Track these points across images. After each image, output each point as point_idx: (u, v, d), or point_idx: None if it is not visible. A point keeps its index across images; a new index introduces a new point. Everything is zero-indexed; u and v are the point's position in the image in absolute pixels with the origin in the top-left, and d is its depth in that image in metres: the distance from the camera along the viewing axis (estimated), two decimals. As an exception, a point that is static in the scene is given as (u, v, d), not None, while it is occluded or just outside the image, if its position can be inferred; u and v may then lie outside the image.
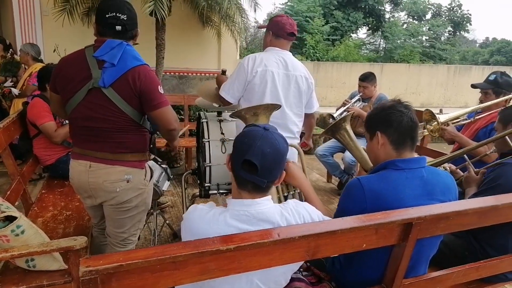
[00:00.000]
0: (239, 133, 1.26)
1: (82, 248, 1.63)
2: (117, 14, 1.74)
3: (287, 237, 1.13)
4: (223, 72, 2.83)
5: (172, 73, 6.41)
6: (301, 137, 2.73)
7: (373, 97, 4.09)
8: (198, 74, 6.78)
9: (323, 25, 14.23)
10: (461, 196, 1.88)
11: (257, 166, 1.15)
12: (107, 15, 1.74)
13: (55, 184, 3.00)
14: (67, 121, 3.00)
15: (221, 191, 2.90)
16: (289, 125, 2.50)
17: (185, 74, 6.66)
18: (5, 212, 1.77)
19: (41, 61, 4.43)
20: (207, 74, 6.82)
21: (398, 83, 10.56)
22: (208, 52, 6.75)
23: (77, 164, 1.85)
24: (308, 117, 2.66)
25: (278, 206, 1.26)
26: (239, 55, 7.87)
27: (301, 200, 1.57)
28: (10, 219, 1.78)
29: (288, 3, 16.83)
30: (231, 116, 1.87)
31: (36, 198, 2.71)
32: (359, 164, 4.09)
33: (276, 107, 1.90)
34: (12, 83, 4.51)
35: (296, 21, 2.51)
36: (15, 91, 4.31)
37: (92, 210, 2.02)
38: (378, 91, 4.15)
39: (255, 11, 5.98)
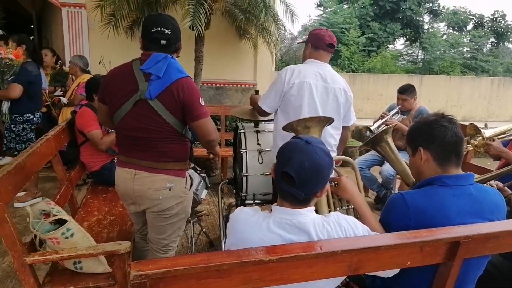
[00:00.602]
0: (281, 145, 1.28)
1: (126, 252, 1.70)
2: (162, 29, 1.82)
3: (329, 250, 1.13)
4: (256, 92, 2.93)
5: (209, 84, 6.56)
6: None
7: (412, 110, 3.99)
8: (235, 86, 6.89)
9: (359, 36, 14.09)
10: (510, 215, 1.80)
11: (294, 178, 1.16)
12: (152, 30, 1.83)
13: (99, 190, 3.13)
14: (112, 129, 3.15)
15: (257, 201, 2.92)
16: (326, 137, 2.49)
17: (222, 85, 6.79)
18: (56, 215, 1.88)
19: (88, 72, 4.67)
20: (243, 86, 6.92)
21: (438, 96, 10.23)
22: (245, 64, 6.85)
23: (122, 172, 1.94)
24: (344, 129, 2.64)
25: (320, 218, 1.26)
26: (275, 66, 7.94)
27: (355, 216, 1.55)
28: (61, 222, 1.89)
29: (323, 15, 16.81)
30: (283, 129, 1.89)
31: (82, 203, 2.84)
32: (397, 179, 4.01)
33: (329, 120, 1.90)
34: (61, 92, 4.78)
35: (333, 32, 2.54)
36: (64, 100, 4.57)
37: (135, 216, 2.10)
38: (417, 103, 4.05)
39: (292, 22, 6.02)
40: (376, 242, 1.19)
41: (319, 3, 19.02)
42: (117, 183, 2.00)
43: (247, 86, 6.95)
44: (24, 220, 3.16)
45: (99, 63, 5.29)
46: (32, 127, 3.90)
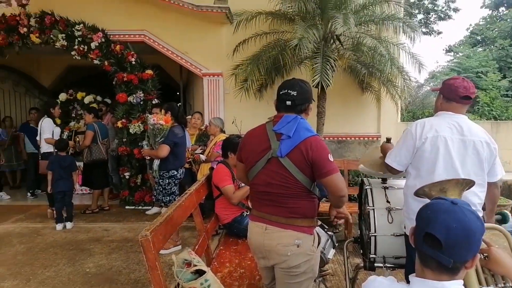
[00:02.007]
0: (422, 206, 1.20)
1: (257, 308, 1.74)
2: (288, 91, 1.99)
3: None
4: (388, 140, 2.77)
5: (331, 138, 6.59)
6: (483, 209, 2.39)
7: None
8: (357, 139, 6.78)
9: (499, 80, 12.60)
10: None
11: (440, 241, 1.06)
12: (280, 92, 2.03)
13: (230, 241, 3.34)
14: (242, 184, 3.39)
15: (387, 265, 2.70)
16: (468, 196, 2.22)
17: (344, 138, 6.75)
18: (196, 266, 2.06)
19: (224, 132, 5.21)
20: (366, 138, 6.76)
21: None
22: (367, 116, 6.74)
23: (254, 226, 2.05)
24: (490, 186, 2.32)
25: None
26: (400, 117, 7.60)
27: None
28: (200, 272, 2.06)
29: (454, 60, 15.66)
30: (415, 194, 1.76)
31: (216, 254, 3.06)
32: None
33: (470, 183, 1.71)
34: (201, 150, 5.39)
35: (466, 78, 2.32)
36: (203, 157, 5.14)
37: (265, 271, 2.16)
38: None
39: (419, 72, 5.79)
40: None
41: (448, 49, 17.90)
42: (249, 236, 2.11)
43: (370, 138, 6.76)
44: (167, 267, 3.52)
45: (232, 123, 5.87)
46: (176, 182, 4.44)
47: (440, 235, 1.06)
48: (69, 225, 5.18)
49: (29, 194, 7.11)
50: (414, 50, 5.88)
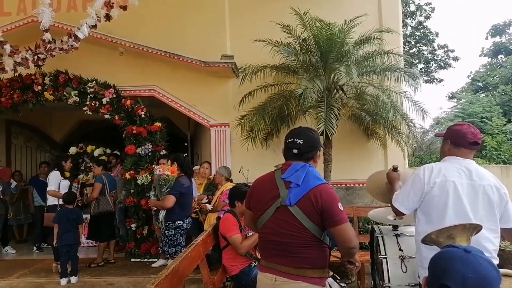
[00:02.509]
0: (435, 254, 1.17)
1: None
2: (294, 139, 2.02)
3: None
4: (395, 169, 2.73)
5: (338, 185, 6.55)
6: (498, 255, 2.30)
7: None
8: (365, 185, 6.71)
9: (504, 124, 12.68)
10: None
11: None
12: (287, 141, 2.06)
13: (238, 294, 3.21)
14: (250, 234, 3.34)
15: (404, 317, 2.57)
16: (482, 241, 2.16)
17: (352, 185, 6.70)
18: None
19: (231, 181, 5.22)
20: (374, 185, 6.70)
21: None
22: (374, 162, 6.73)
23: (263, 277, 1.99)
24: (507, 233, 2.26)
25: None
26: (408, 163, 7.57)
27: None
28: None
29: (458, 106, 15.89)
30: (422, 242, 1.72)
31: (224, 308, 2.94)
32: None
33: (477, 228, 1.68)
34: (207, 200, 5.37)
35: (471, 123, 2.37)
36: (209, 206, 5.10)
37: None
38: None
39: (423, 118, 5.86)
40: None
41: (451, 96, 18.22)
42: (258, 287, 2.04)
43: (379, 185, 6.69)
44: (173, 322, 3.36)
45: (239, 171, 5.90)
46: (182, 233, 4.39)
47: (456, 286, 1.03)
48: (73, 279, 5.05)
49: (35, 248, 7.02)
50: (417, 98, 6.03)
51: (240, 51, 6.35)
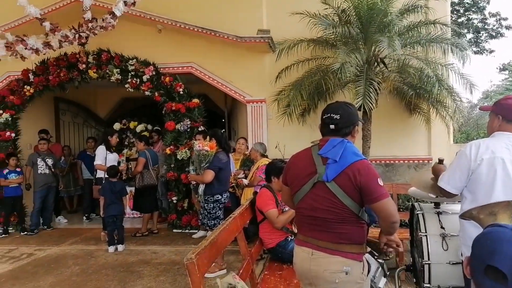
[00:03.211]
0: (479, 234, 1.11)
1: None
2: (331, 115, 1.97)
3: None
4: (440, 161, 2.64)
5: (378, 161, 6.40)
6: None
7: None
8: (406, 162, 6.52)
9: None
10: None
11: (506, 275, 0.97)
12: (324, 117, 2.01)
13: (275, 266, 3.29)
14: (286, 208, 3.37)
15: (443, 295, 2.53)
16: (531, 222, 2.05)
17: (392, 161, 6.53)
18: (241, 290, 2.05)
19: (266, 156, 5.25)
20: (416, 161, 6.49)
21: None
22: (417, 138, 6.50)
23: (300, 251, 2.01)
24: None
25: None
26: (453, 139, 7.24)
27: None
28: (245, 296, 2.05)
29: (510, 79, 14.83)
30: (461, 217, 1.67)
31: (260, 279, 3.02)
32: None
33: None
34: (244, 175, 5.45)
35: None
36: (245, 181, 5.19)
37: (311, 298, 2.09)
38: None
39: (471, 92, 5.54)
40: None
41: (502, 67, 17.00)
42: (295, 261, 2.07)
43: (420, 161, 6.48)
44: (212, 290, 3.52)
45: (275, 147, 5.91)
46: (220, 206, 4.51)
47: (505, 268, 0.97)
48: (120, 247, 5.37)
49: (84, 218, 7.52)
50: (465, 70, 5.66)
51: (276, 26, 6.23)
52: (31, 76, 6.81)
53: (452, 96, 5.51)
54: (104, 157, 5.91)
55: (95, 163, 5.98)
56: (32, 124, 7.65)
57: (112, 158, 6.02)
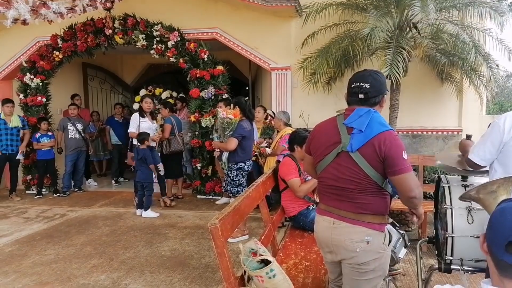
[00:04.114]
0: (496, 210, 1.07)
1: (323, 301, 1.73)
2: (360, 84, 1.90)
3: None
4: (468, 137, 2.55)
5: (405, 132, 6.24)
6: None
7: None
8: (434, 133, 6.33)
9: None
10: None
11: None
12: (352, 85, 1.94)
13: (296, 234, 3.34)
14: (309, 178, 3.37)
15: (465, 268, 2.51)
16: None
17: (419, 132, 6.35)
18: (262, 255, 2.10)
19: (289, 125, 5.21)
20: (445, 133, 6.29)
21: None
22: (447, 109, 6.26)
23: (322, 220, 2.02)
24: None
25: None
26: (486, 110, 6.93)
27: None
28: (265, 262, 2.10)
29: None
30: (460, 199, 1.64)
31: (281, 245, 3.09)
32: None
33: None
34: (267, 144, 5.46)
35: None
36: (269, 150, 5.20)
37: (332, 265, 2.12)
38: None
39: (509, 59, 5.21)
40: None
41: (545, 33, 15.85)
42: (316, 230, 2.09)
43: (450, 133, 6.27)
44: (234, 254, 3.63)
45: (299, 116, 5.84)
46: (244, 174, 4.55)
47: None
48: (139, 212, 5.56)
49: (113, 181, 7.82)
50: (502, 36, 5.28)
51: (304, -12, 5.99)
52: (59, 42, 6.91)
53: (488, 63, 5.22)
54: (136, 125, 5.86)
55: (129, 130, 5.99)
56: (62, 89, 7.86)
57: (145, 126, 5.89)
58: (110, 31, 6.65)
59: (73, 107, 7.06)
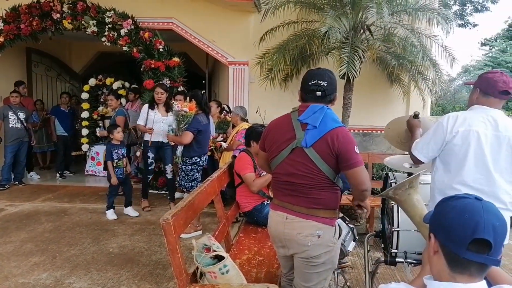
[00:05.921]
0: (448, 211, 1.07)
1: (274, 295, 1.74)
2: (318, 81, 1.94)
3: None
4: (416, 116, 2.64)
5: (356, 130, 6.47)
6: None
7: None
8: (383, 132, 6.62)
9: (537, 75, 12.04)
10: None
11: (491, 244, 0.98)
12: (310, 83, 1.97)
13: (250, 229, 3.35)
14: (263, 173, 3.39)
15: (408, 261, 2.65)
16: (499, 194, 2.14)
17: (369, 131, 6.62)
18: (215, 251, 2.08)
19: (246, 121, 5.20)
20: (392, 132, 6.60)
21: None
22: (395, 109, 6.56)
23: (275, 215, 2.04)
24: None
25: None
26: (430, 111, 7.36)
27: None
28: (219, 257, 2.08)
29: (488, 55, 15.04)
30: (380, 196, 1.81)
31: (235, 241, 3.08)
32: None
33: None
34: (222, 138, 5.41)
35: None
36: (224, 145, 5.16)
37: (284, 260, 2.15)
38: None
39: (451, 66, 5.57)
40: None
41: (483, 42, 17.16)
42: (270, 225, 2.11)
43: (397, 133, 6.59)
44: (187, 251, 3.58)
45: (256, 112, 5.86)
46: (198, 169, 4.49)
47: (489, 237, 0.98)
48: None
49: (58, 175, 7.38)
50: (447, 43, 5.66)
51: (263, -16, 5.99)
52: (0, 23, 6.38)
53: (434, 67, 5.54)
54: (144, 117, 5.11)
55: (137, 122, 5.29)
56: (3, 75, 7.28)
57: (154, 119, 5.09)
58: (58, 15, 6.24)
59: (15, 95, 6.55)
